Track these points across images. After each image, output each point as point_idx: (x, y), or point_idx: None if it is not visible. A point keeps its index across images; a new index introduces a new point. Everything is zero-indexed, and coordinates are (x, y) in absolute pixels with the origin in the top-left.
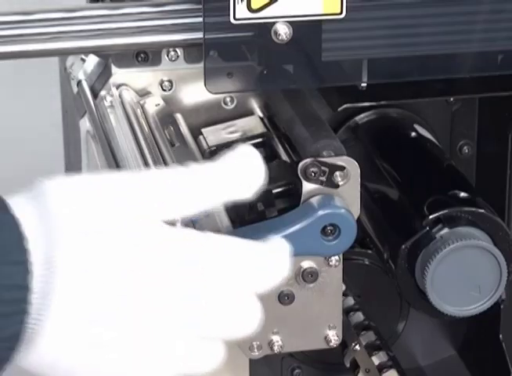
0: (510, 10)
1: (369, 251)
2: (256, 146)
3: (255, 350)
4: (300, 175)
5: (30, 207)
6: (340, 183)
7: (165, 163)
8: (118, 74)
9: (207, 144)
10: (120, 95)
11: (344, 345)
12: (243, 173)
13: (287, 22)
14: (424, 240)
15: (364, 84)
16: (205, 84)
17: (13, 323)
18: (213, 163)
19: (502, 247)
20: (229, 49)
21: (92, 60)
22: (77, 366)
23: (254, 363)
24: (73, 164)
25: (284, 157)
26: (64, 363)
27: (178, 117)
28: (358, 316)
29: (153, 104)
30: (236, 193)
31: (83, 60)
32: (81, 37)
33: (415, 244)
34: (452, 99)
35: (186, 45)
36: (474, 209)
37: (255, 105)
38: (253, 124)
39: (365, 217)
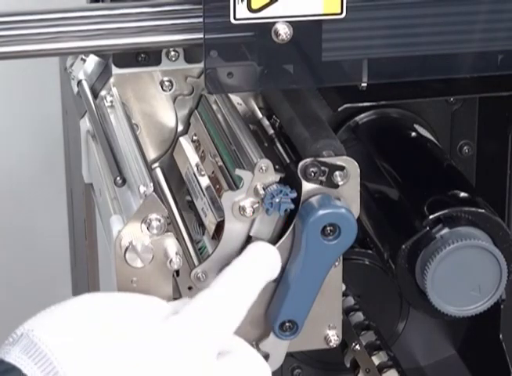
0: (510, 10)
1: (369, 251)
2: None
3: None
4: (300, 174)
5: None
6: (340, 183)
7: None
8: (118, 74)
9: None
10: (120, 95)
11: (344, 345)
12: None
13: (287, 22)
14: (424, 240)
15: (364, 85)
16: (205, 85)
17: None
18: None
19: (503, 246)
20: (229, 49)
21: (92, 60)
22: None
23: None
24: (73, 165)
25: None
26: None
27: None
28: (358, 316)
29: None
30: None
31: (83, 60)
32: (81, 37)
33: (415, 243)
34: (452, 99)
35: (186, 45)
36: (474, 209)
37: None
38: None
39: (365, 217)
